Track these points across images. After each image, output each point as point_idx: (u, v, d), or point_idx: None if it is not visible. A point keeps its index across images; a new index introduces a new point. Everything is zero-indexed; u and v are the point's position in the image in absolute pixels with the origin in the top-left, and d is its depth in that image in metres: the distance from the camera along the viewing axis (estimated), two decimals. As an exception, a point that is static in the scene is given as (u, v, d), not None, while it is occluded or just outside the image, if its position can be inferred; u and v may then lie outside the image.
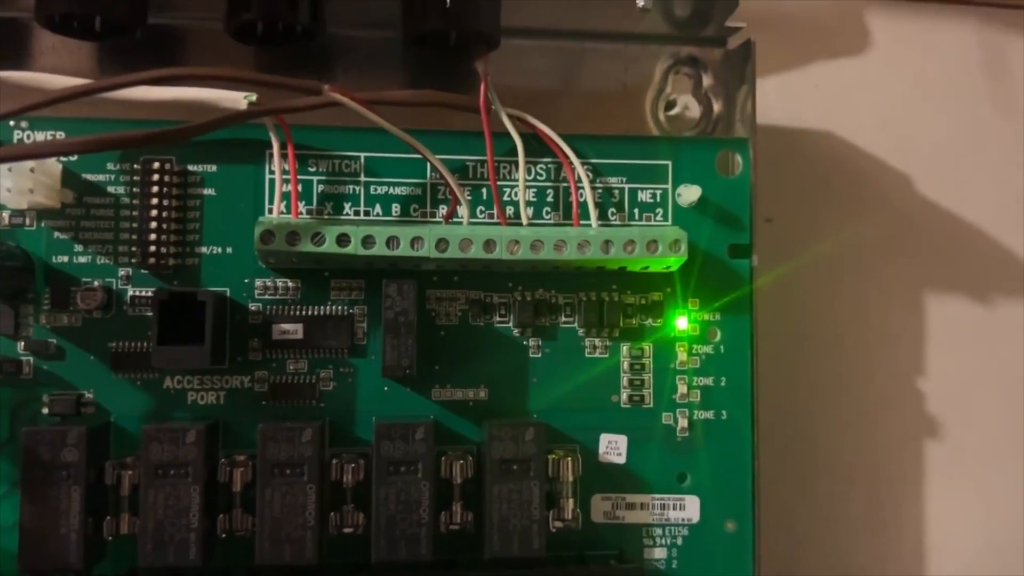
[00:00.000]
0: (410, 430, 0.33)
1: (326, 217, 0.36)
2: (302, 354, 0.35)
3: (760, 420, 0.37)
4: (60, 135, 0.35)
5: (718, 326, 0.37)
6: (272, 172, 0.35)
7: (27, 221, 0.35)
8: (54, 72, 0.36)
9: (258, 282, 0.35)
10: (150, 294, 0.35)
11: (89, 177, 0.35)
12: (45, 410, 0.34)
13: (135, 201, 0.35)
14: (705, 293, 0.37)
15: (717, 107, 0.41)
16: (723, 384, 0.37)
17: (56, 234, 0.35)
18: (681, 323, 0.37)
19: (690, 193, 0.37)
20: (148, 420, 0.35)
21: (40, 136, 0.35)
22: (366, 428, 0.35)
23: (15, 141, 0.35)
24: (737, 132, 0.39)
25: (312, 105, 0.33)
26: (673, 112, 0.41)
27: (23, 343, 0.34)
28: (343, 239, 0.33)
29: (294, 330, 0.35)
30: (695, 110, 0.41)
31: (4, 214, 0.34)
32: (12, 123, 0.34)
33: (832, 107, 0.44)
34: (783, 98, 0.44)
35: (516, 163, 0.36)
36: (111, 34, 0.36)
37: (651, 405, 0.37)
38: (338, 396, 0.35)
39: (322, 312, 0.35)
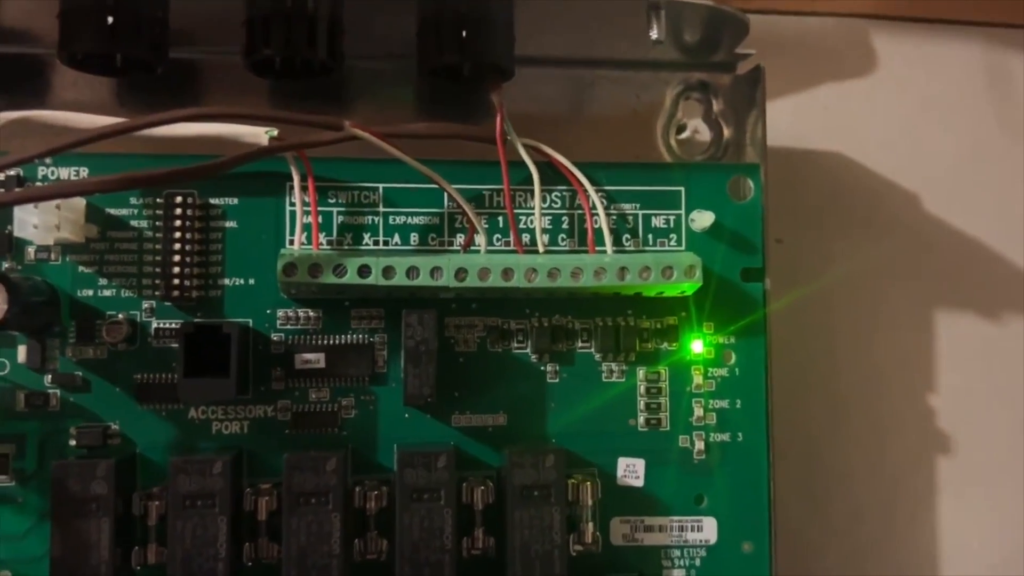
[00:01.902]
0: (432, 458, 0.34)
1: (346, 248, 0.36)
2: (324, 383, 0.36)
3: (775, 441, 0.38)
4: (84, 171, 0.36)
5: (733, 349, 0.38)
6: (293, 204, 0.36)
7: (52, 256, 0.35)
8: (74, 107, 0.37)
9: (280, 312, 0.36)
10: (174, 326, 0.35)
11: (113, 212, 0.35)
12: (72, 442, 0.35)
13: (158, 235, 0.35)
14: (719, 317, 0.38)
15: (727, 132, 0.41)
16: (738, 406, 0.38)
17: (81, 268, 0.35)
18: (696, 347, 0.37)
19: (703, 218, 0.37)
20: (173, 450, 0.35)
21: (64, 172, 0.35)
22: (387, 455, 0.36)
23: (40, 177, 0.35)
24: (748, 156, 0.40)
25: (334, 140, 0.33)
26: (684, 136, 0.42)
27: (50, 376, 0.35)
28: (364, 270, 0.34)
29: (316, 359, 0.36)
30: (705, 134, 0.42)
31: (30, 249, 0.35)
32: (37, 160, 0.35)
33: (841, 128, 0.45)
34: (792, 120, 0.45)
35: (532, 191, 0.37)
36: (132, 70, 0.36)
37: (668, 428, 0.37)
38: (360, 424, 0.36)
39: (343, 341, 0.36)
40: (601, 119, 0.41)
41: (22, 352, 0.35)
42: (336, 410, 0.36)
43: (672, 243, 0.38)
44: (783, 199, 0.42)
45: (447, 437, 0.36)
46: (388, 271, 0.34)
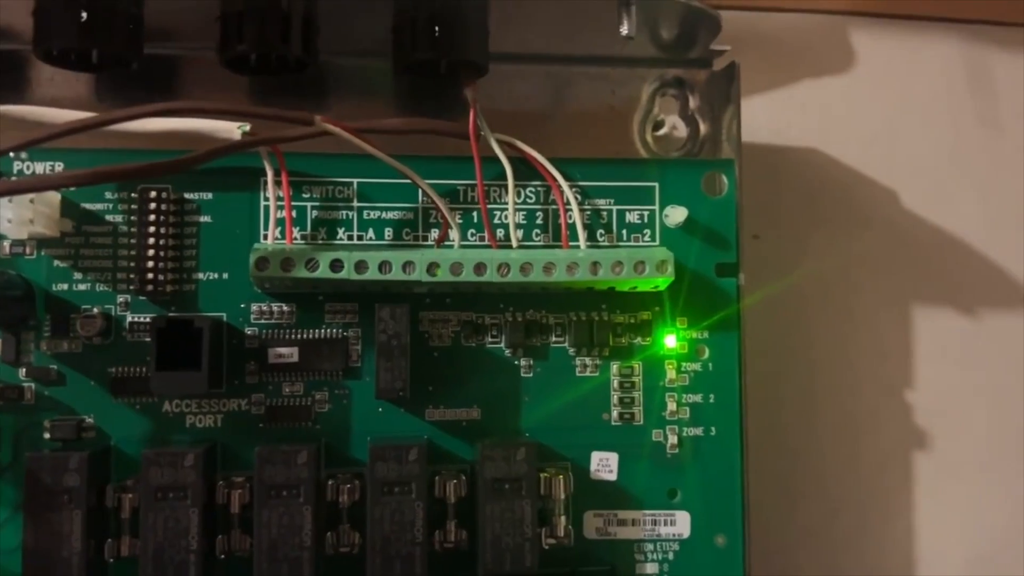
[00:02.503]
0: (404, 451, 0.34)
1: (320, 242, 0.37)
2: (298, 377, 0.36)
3: (749, 436, 0.38)
4: (59, 166, 0.36)
5: (706, 344, 0.38)
6: (267, 199, 0.36)
7: (27, 250, 0.35)
8: (52, 103, 0.37)
9: (254, 307, 0.36)
10: (148, 320, 0.35)
11: (88, 206, 0.36)
12: (47, 435, 0.35)
13: (133, 229, 0.36)
14: (693, 312, 0.38)
15: (704, 128, 0.41)
16: (712, 401, 0.38)
17: (56, 262, 0.35)
18: (670, 341, 0.38)
19: (677, 214, 0.38)
20: (147, 443, 0.35)
21: (40, 167, 0.36)
22: (361, 449, 0.36)
23: (15, 172, 0.36)
24: (724, 152, 0.40)
25: (305, 135, 0.33)
26: (660, 133, 0.42)
27: (24, 369, 0.35)
28: (336, 264, 0.34)
29: (290, 353, 0.36)
30: (682, 130, 0.42)
31: (5, 244, 0.35)
32: (12, 154, 0.35)
33: (818, 125, 0.45)
34: (769, 116, 0.45)
35: (506, 187, 0.37)
36: (108, 66, 0.36)
37: (641, 422, 0.37)
38: (333, 418, 0.36)
39: (317, 335, 0.36)
40: (578, 115, 0.41)
41: (-4, 346, 0.35)
42: (310, 404, 0.36)
43: (646, 239, 0.38)
44: (760, 195, 0.42)
45: (421, 431, 0.36)
46: (360, 266, 0.34)
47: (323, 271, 0.34)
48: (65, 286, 0.35)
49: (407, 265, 0.34)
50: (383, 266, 0.34)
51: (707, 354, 0.38)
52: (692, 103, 0.41)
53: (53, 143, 0.34)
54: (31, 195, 0.33)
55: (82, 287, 0.35)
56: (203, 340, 0.33)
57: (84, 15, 0.34)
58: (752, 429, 0.38)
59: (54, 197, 0.35)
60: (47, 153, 0.35)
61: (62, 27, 0.34)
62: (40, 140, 0.31)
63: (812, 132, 0.45)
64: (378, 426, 0.36)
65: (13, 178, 0.35)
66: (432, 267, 0.34)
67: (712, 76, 0.41)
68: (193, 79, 0.39)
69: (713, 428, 0.38)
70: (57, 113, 0.33)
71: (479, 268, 0.35)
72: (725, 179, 0.38)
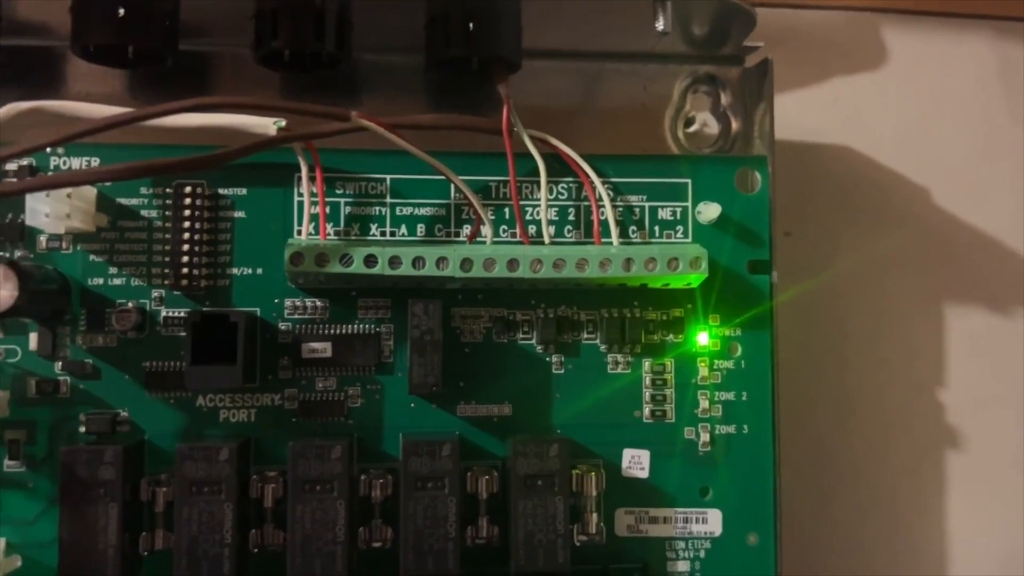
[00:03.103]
0: (436, 447, 0.34)
1: (353, 238, 0.37)
2: (331, 372, 0.36)
3: (781, 434, 0.38)
4: (95, 161, 0.36)
5: (739, 341, 0.38)
6: (300, 195, 0.36)
7: (64, 245, 0.36)
8: (86, 98, 0.37)
9: (287, 302, 0.36)
10: (183, 315, 0.35)
11: (123, 201, 0.36)
12: (82, 428, 0.35)
13: (168, 224, 0.36)
14: (726, 309, 0.38)
15: (736, 124, 0.41)
16: (744, 399, 0.38)
17: (91, 257, 0.36)
18: (702, 339, 0.37)
19: (710, 211, 0.37)
20: (181, 438, 0.35)
21: (76, 162, 0.36)
22: (393, 444, 0.36)
23: (52, 167, 0.36)
24: (756, 149, 0.40)
25: (340, 130, 0.33)
26: (692, 129, 0.42)
27: (60, 363, 0.35)
28: (371, 260, 0.34)
29: (323, 348, 0.36)
30: (714, 127, 0.42)
31: (42, 238, 0.35)
32: (49, 149, 0.35)
33: (850, 122, 0.45)
34: (801, 113, 0.44)
35: (538, 183, 0.37)
36: (143, 62, 0.37)
37: (673, 420, 0.37)
38: (366, 413, 0.36)
39: (350, 331, 0.36)
40: (609, 111, 0.41)
41: (33, 340, 0.35)
42: (342, 399, 0.36)
43: (679, 235, 0.38)
44: (792, 192, 0.42)
45: (452, 427, 0.36)
46: (394, 261, 0.34)
47: (357, 266, 0.34)
48: (100, 281, 0.36)
49: (441, 261, 0.34)
50: (417, 261, 0.34)
51: (740, 352, 0.38)
52: (724, 100, 0.41)
53: (89, 137, 0.34)
54: (68, 190, 0.33)
55: (117, 282, 0.36)
56: (239, 334, 0.34)
57: (121, 11, 0.34)
58: (784, 427, 0.38)
59: (90, 192, 0.35)
60: (83, 148, 0.36)
61: (99, 24, 0.34)
62: (78, 135, 0.31)
63: (844, 129, 0.45)
64: (410, 421, 0.36)
65: (50, 173, 0.36)
66: (466, 263, 0.34)
67: (744, 73, 0.41)
68: (226, 75, 0.39)
69: (745, 426, 0.37)
70: (91, 108, 0.34)
71: (512, 264, 0.34)
72: (758, 176, 0.38)
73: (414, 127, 0.35)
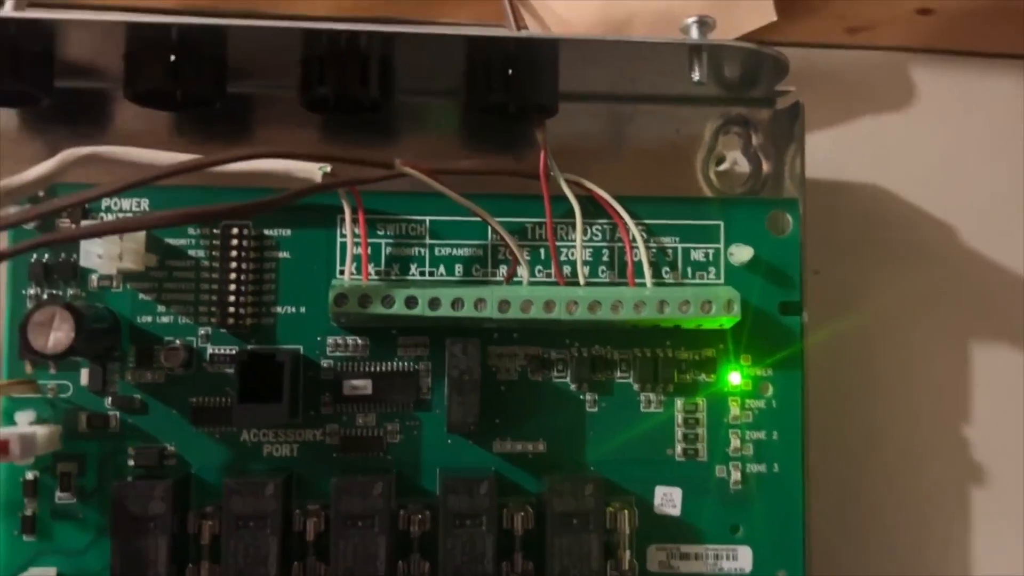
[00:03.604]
0: (474, 485, 0.35)
1: (394, 278, 0.38)
2: (371, 408, 0.37)
3: (811, 472, 0.38)
4: (145, 202, 0.37)
5: (770, 381, 0.38)
6: (343, 236, 0.37)
7: (114, 283, 0.37)
8: (132, 138, 0.38)
9: (330, 340, 0.37)
10: (229, 352, 0.37)
11: (172, 241, 0.37)
12: (131, 462, 0.36)
13: (215, 264, 0.37)
14: (757, 349, 0.38)
15: (766, 165, 0.42)
16: (775, 438, 0.38)
17: (141, 295, 0.37)
18: (734, 378, 0.38)
19: (742, 253, 0.38)
20: (226, 472, 0.36)
21: (127, 203, 0.37)
22: (431, 479, 0.37)
23: (103, 208, 0.37)
24: (787, 190, 0.40)
25: (384, 177, 0.34)
26: (723, 167, 0.42)
27: (110, 399, 0.36)
28: (411, 301, 0.35)
29: (363, 386, 0.37)
30: (744, 166, 0.42)
31: (94, 277, 0.37)
32: (109, 196, 0.36)
33: (878, 160, 0.45)
34: (830, 152, 0.45)
35: (573, 225, 0.38)
36: (192, 104, 0.38)
37: (705, 458, 0.38)
38: (404, 448, 0.37)
39: (390, 368, 0.37)
40: (641, 152, 0.42)
41: (84, 376, 0.36)
42: (382, 435, 0.37)
43: (711, 276, 0.39)
44: (820, 230, 0.42)
45: (488, 463, 0.37)
46: (434, 302, 0.35)
47: (398, 307, 0.35)
48: (149, 318, 0.37)
49: (479, 302, 0.35)
50: (456, 303, 0.35)
51: (771, 391, 0.38)
52: (755, 140, 0.42)
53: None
54: (121, 232, 0.35)
55: (165, 319, 0.37)
56: (285, 373, 0.35)
57: (172, 57, 0.35)
58: (814, 465, 0.38)
59: (140, 233, 0.36)
60: (133, 191, 0.37)
61: (151, 70, 0.36)
62: (136, 184, 0.32)
63: (872, 168, 0.45)
64: (447, 457, 0.37)
65: (101, 215, 0.37)
66: (503, 304, 0.35)
67: (775, 114, 0.42)
68: (271, 116, 0.40)
69: (776, 464, 0.38)
70: (142, 154, 0.35)
71: (548, 306, 0.35)
72: (790, 218, 0.39)
73: (455, 172, 0.35)
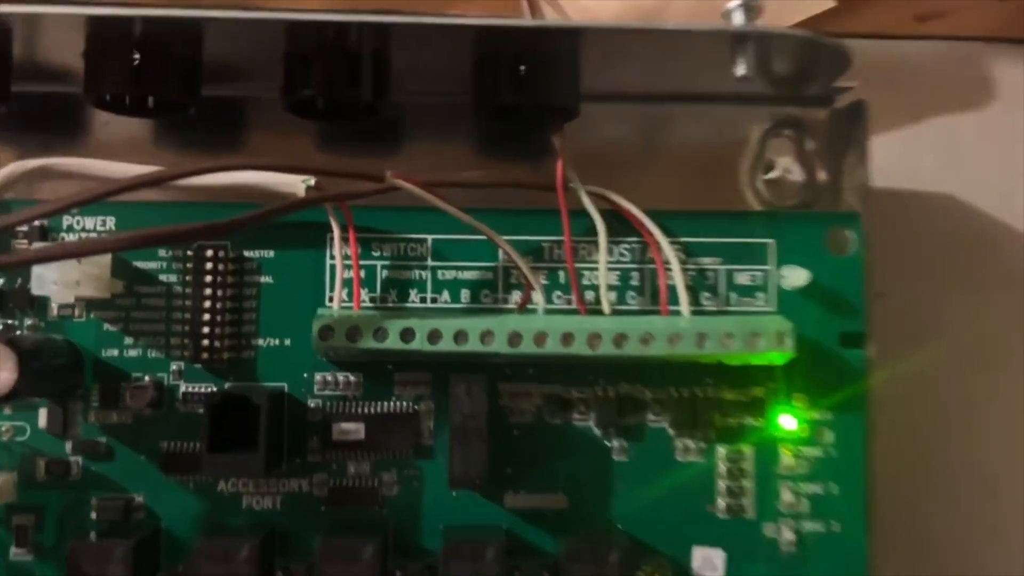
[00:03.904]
0: (480, 550, 0.30)
1: (391, 305, 0.33)
2: (364, 456, 0.32)
3: (878, 532, 0.33)
4: (111, 221, 0.33)
5: (829, 426, 0.33)
6: (333, 258, 0.33)
7: (76, 312, 0.33)
8: (108, 148, 0.35)
9: (318, 376, 0.33)
10: (204, 390, 0.32)
11: (140, 265, 0.33)
12: (94, 515, 0.32)
13: (188, 290, 0.33)
14: (814, 388, 0.33)
15: (822, 174, 0.37)
16: (835, 492, 0.33)
17: (106, 326, 0.33)
18: (786, 422, 0.33)
19: (796, 276, 0.33)
20: (200, 526, 0.32)
21: (90, 221, 0.33)
22: (432, 537, 0.32)
23: (65, 228, 0.33)
24: (846, 201, 0.35)
25: (374, 191, 0.30)
26: (772, 176, 0.37)
27: (71, 443, 0.32)
28: (407, 334, 0.30)
29: (355, 430, 0.32)
30: (797, 175, 0.37)
31: (53, 306, 0.33)
32: (63, 212, 0.33)
33: (953, 167, 0.40)
34: (898, 157, 0.39)
35: (596, 244, 0.33)
36: (165, 110, 0.34)
37: (752, 516, 0.33)
38: (402, 502, 0.32)
39: (386, 409, 0.33)
40: (677, 160, 0.37)
41: (43, 417, 0.32)
42: (377, 486, 0.32)
43: (759, 303, 0.34)
44: (887, 249, 0.37)
45: (499, 519, 0.32)
46: (434, 335, 0.30)
47: (393, 341, 0.30)
48: (115, 352, 0.33)
49: (486, 335, 0.30)
50: (459, 336, 0.30)
51: (830, 437, 0.33)
52: (809, 146, 0.37)
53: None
54: (79, 255, 0.30)
55: (133, 353, 0.33)
56: (262, 418, 0.30)
57: (136, 57, 0.31)
58: (881, 524, 0.33)
59: (104, 256, 0.32)
60: (97, 207, 0.33)
61: (114, 71, 0.31)
62: (94, 198, 0.28)
63: (947, 175, 0.40)
64: (452, 513, 0.32)
65: (63, 235, 0.33)
66: (514, 338, 0.30)
67: (834, 115, 0.36)
68: (257, 121, 0.36)
69: (836, 523, 0.33)
70: (106, 166, 0.31)
71: (567, 339, 0.30)
72: (852, 236, 0.34)
73: (456, 185, 0.31)
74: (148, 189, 0.31)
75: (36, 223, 0.32)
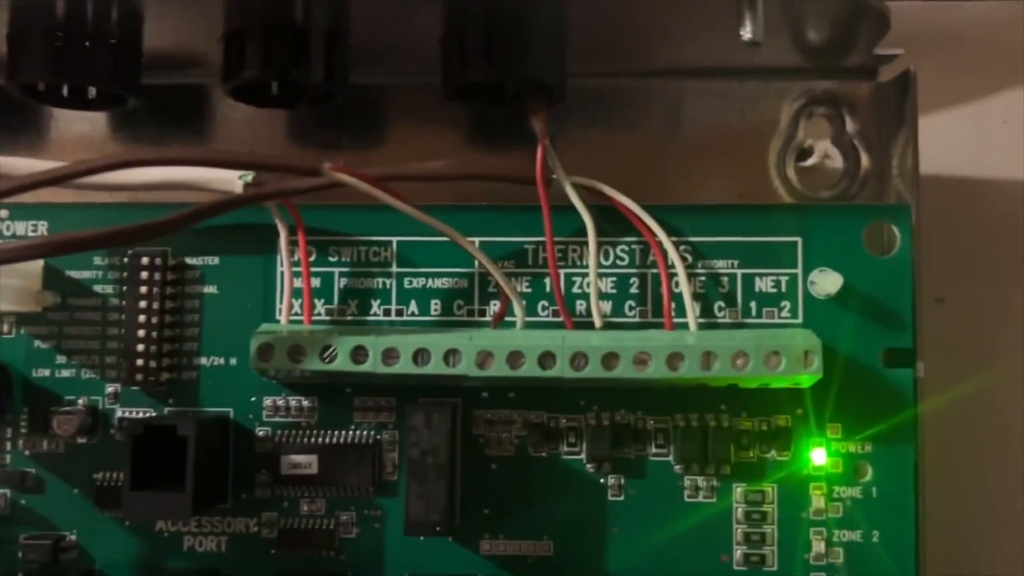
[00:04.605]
0: (444, 606, 0.26)
1: (350, 319, 0.29)
2: (318, 492, 0.28)
3: (931, 587, 0.28)
4: (43, 225, 0.30)
5: (869, 461, 0.28)
6: (282, 265, 0.29)
7: (4, 328, 0.30)
8: (60, 145, 0.33)
9: (267, 400, 0.29)
10: (143, 414, 0.29)
11: (73, 274, 0.30)
12: (20, 553, 0.29)
13: (124, 303, 0.29)
14: (850, 416, 0.28)
15: (866, 159, 0.32)
16: (876, 540, 0.28)
17: (36, 343, 0.29)
18: (817, 457, 0.28)
19: (828, 281, 0.28)
20: (137, 568, 0.29)
21: (21, 227, 0.30)
22: (397, 588, 0.28)
23: (-7, 233, 0.30)
24: (893, 192, 0.31)
25: (314, 187, 0.26)
26: (809, 163, 0.32)
27: (-2, 474, 0.29)
28: (359, 354, 0.26)
29: (307, 463, 0.28)
30: (837, 161, 0.32)
31: (-20, 320, 0.29)
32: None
33: (1021, 149, 0.34)
34: (955, 139, 0.34)
35: (586, 245, 0.28)
36: (107, 103, 0.30)
37: (775, 568, 0.28)
38: (362, 546, 0.29)
39: (343, 439, 0.28)
40: (692, 146, 0.32)
41: (-33, 444, 0.29)
42: (332, 527, 0.29)
43: (784, 314, 0.29)
44: (944, 245, 0.32)
45: (474, 568, 0.28)
46: (389, 355, 0.26)
47: (342, 362, 0.26)
48: (47, 372, 0.29)
49: (451, 355, 0.26)
50: (419, 356, 0.26)
51: (870, 475, 0.28)
52: (850, 126, 0.32)
53: (33, 197, 0.28)
54: (-6, 265, 0.27)
55: (66, 373, 0.29)
56: (188, 451, 0.26)
57: (60, 38, 0.27)
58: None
59: (34, 265, 0.29)
60: (29, 211, 0.30)
61: (35, 58, 0.28)
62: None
63: (1012, 159, 0.34)
64: (418, 559, 0.29)
65: (-10, 241, 0.30)
66: (484, 358, 0.26)
67: (877, 89, 0.32)
68: (223, 108, 0.32)
69: None
70: (16, 163, 0.27)
71: (545, 360, 0.26)
72: (897, 232, 0.29)
73: (412, 179, 0.26)
74: (87, 192, 0.28)
75: (-38, 228, 0.29)
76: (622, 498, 0.28)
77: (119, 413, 0.29)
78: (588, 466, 0.28)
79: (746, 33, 0.25)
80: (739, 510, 0.28)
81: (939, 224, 0.31)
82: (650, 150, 0.32)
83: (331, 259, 0.29)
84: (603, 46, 0.30)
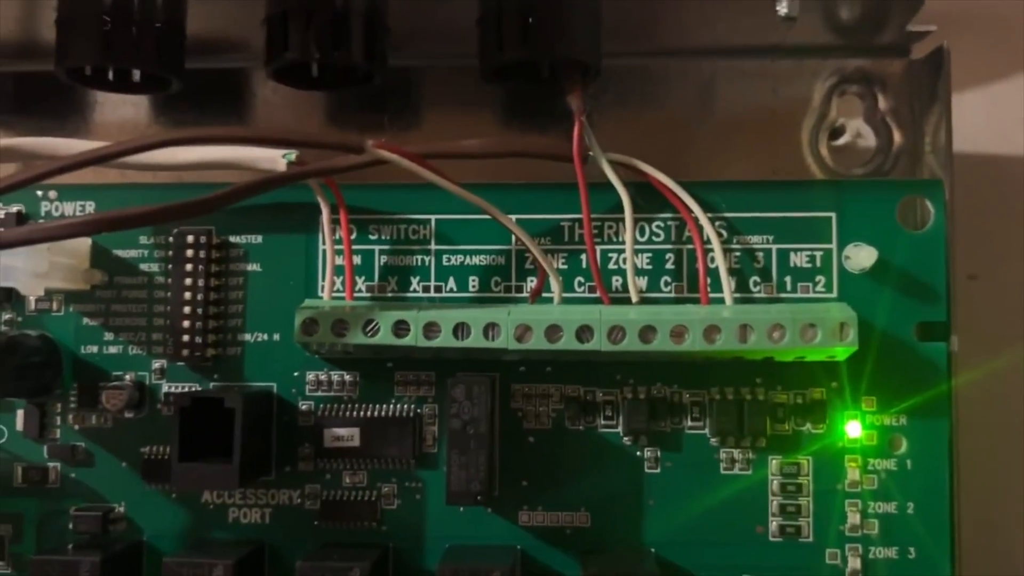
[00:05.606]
0: (485, 573, 0.26)
1: (390, 295, 0.29)
2: (360, 464, 0.29)
3: (963, 559, 0.28)
4: (91, 205, 0.30)
5: (904, 433, 0.28)
6: (324, 243, 0.29)
7: (54, 306, 0.30)
8: (105, 129, 0.34)
9: (310, 375, 0.29)
10: (189, 390, 0.29)
11: (120, 253, 0.30)
12: (71, 525, 0.29)
13: (170, 280, 0.30)
14: (885, 389, 0.29)
15: (898, 136, 0.32)
16: (910, 511, 0.28)
17: (85, 320, 0.30)
18: (852, 430, 0.28)
19: (862, 255, 0.28)
20: (184, 539, 0.29)
21: (69, 207, 0.30)
22: (436, 556, 0.29)
23: (43, 214, 0.30)
24: (927, 169, 0.31)
25: (355, 165, 0.26)
26: (841, 142, 0.33)
27: (48, 447, 0.30)
28: (401, 328, 0.27)
29: (349, 435, 0.29)
30: (870, 139, 0.32)
31: (31, 299, 0.30)
32: (40, 193, 0.30)
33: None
34: (988, 117, 0.34)
35: (623, 221, 0.28)
36: (151, 86, 0.31)
37: (811, 539, 0.29)
38: (403, 517, 0.29)
39: (384, 412, 0.29)
40: (725, 125, 0.32)
41: (20, 418, 0.30)
42: (374, 499, 0.29)
43: (819, 288, 0.29)
44: (977, 223, 0.32)
45: (512, 539, 0.29)
46: (431, 329, 0.27)
47: (384, 336, 0.27)
48: (95, 348, 0.30)
49: (490, 328, 0.27)
50: (459, 330, 0.27)
51: (905, 447, 0.28)
52: (882, 104, 0.32)
53: (78, 177, 0.28)
54: (45, 244, 0.28)
55: (113, 350, 0.30)
56: (236, 424, 0.27)
57: (108, 23, 0.28)
58: (966, 550, 0.28)
59: (82, 244, 0.30)
60: (77, 192, 0.30)
61: (84, 42, 0.29)
62: (37, 177, 0.25)
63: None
64: (458, 529, 0.29)
65: (40, 220, 0.30)
66: (523, 332, 0.26)
67: (910, 67, 0.32)
68: (253, 94, 0.33)
69: (912, 549, 0.28)
70: (61, 144, 0.28)
71: (583, 333, 0.26)
72: (931, 207, 0.29)
73: (454, 156, 0.27)
74: (136, 173, 0.29)
75: (14, 208, 0.30)
76: (658, 471, 0.29)
77: (165, 388, 0.30)
78: (624, 439, 0.29)
79: (782, 8, 0.25)
80: (774, 482, 0.28)
81: (971, 202, 0.31)
82: (684, 128, 0.32)
83: (371, 237, 0.30)
84: (638, 26, 0.30)
